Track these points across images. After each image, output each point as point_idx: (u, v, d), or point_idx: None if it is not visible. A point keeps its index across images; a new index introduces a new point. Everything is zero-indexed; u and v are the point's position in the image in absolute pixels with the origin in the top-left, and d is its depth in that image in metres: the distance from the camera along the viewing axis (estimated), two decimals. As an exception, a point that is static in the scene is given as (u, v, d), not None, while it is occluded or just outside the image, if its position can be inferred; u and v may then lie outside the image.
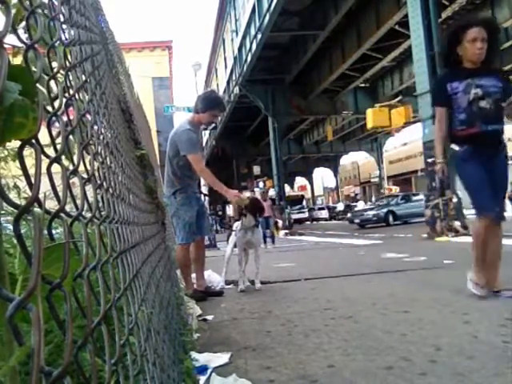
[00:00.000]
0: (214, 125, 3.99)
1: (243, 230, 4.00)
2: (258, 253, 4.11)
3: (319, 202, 54.58)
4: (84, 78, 0.82)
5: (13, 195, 1.22)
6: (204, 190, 12.57)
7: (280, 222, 16.43)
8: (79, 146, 0.63)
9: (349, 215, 20.16)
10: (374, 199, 31.72)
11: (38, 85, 0.46)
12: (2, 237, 0.40)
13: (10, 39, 0.50)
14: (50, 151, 0.53)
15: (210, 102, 3.77)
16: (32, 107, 0.40)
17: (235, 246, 4.14)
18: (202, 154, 4.18)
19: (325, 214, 35.32)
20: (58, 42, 0.65)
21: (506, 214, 2.97)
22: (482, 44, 2.80)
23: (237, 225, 4.16)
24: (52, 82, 0.59)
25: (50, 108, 0.56)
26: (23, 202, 0.38)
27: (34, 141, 0.42)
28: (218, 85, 27.43)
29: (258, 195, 14.51)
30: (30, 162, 0.43)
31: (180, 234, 3.71)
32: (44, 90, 0.57)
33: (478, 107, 2.81)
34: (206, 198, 9.60)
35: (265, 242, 11.77)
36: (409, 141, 33.38)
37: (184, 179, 3.72)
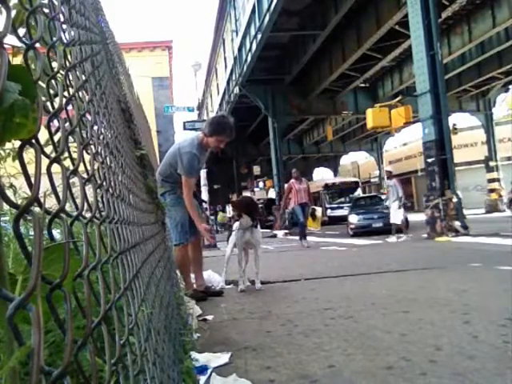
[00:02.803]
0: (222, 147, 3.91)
1: (242, 230, 4.00)
2: (257, 253, 4.11)
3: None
4: (84, 77, 0.82)
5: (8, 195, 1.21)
6: (204, 195, 12.40)
7: (319, 211, 11.24)
8: (79, 145, 0.63)
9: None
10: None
11: (37, 85, 0.46)
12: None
13: (10, 39, 0.50)
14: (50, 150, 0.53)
15: (216, 128, 3.72)
16: (32, 107, 0.40)
17: (235, 246, 4.14)
18: (200, 168, 4.17)
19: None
20: (58, 42, 0.65)
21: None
22: None
23: (236, 225, 4.16)
24: (52, 82, 0.59)
25: (50, 108, 0.56)
26: (19, 201, 0.38)
27: (34, 141, 0.42)
28: (217, 85, 27.42)
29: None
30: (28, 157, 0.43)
31: (173, 234, 3.72)
32: (44, 90, 0.57)
33: None
34: (205, 204, 9.54)
35: (300, 238, 9.57)
36: (409, 141, 33.38)
37: (174, 184, 3.76)
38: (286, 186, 10.29)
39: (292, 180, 9.86)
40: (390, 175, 10.36)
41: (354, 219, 12.97)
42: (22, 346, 0.34)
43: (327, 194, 22.44)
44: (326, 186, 22.69)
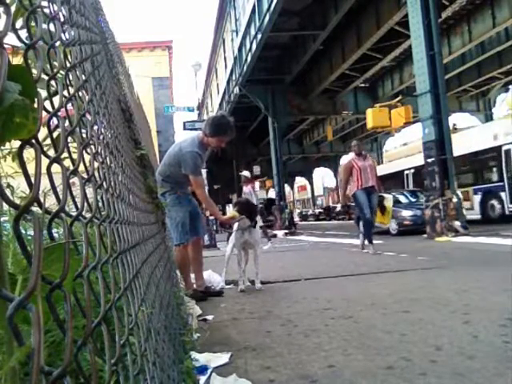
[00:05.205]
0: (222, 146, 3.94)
1: (240, 230, 4.00)
2: (257, 253, 4.11)
3: (319, 202, 54.41)
4: (84, 77, 0.82)
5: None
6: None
7: (390, 199, 7.45)
8: (79, 145, 0.63)
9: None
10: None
11: (37, 85, 0.46)
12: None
13: (10, 39, 0.50)
14: (50, 151, 0.53)
15: (218, 129, 3.72)
16: (32, 107, 0.40)
17: (235, 245, 4.14)
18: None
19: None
20: (58, 42, 0.65)
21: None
22: None
23: (236, 225, 4.16)
24: (52, 82, 0.59)
25: (50, 108, 0.56)
26: (17, 201, 0.38)
27: (34, 141, 0.42)
28: (217, 85, 27.42)
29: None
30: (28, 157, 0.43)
31: (173, 234, 3.72)
32: (44, 90, 0.57)
33: None
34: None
35: (365, 240, 6.91)
36: (409, 141, 33.37)
37: (174, 184, 3.76)
38: (341, 167, 6.74)
39: (352, 156, 6.84)
40: (246, 181, 9.20)
41: (406, 213, 11.14)
42: (22, 346, 0.34)
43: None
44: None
